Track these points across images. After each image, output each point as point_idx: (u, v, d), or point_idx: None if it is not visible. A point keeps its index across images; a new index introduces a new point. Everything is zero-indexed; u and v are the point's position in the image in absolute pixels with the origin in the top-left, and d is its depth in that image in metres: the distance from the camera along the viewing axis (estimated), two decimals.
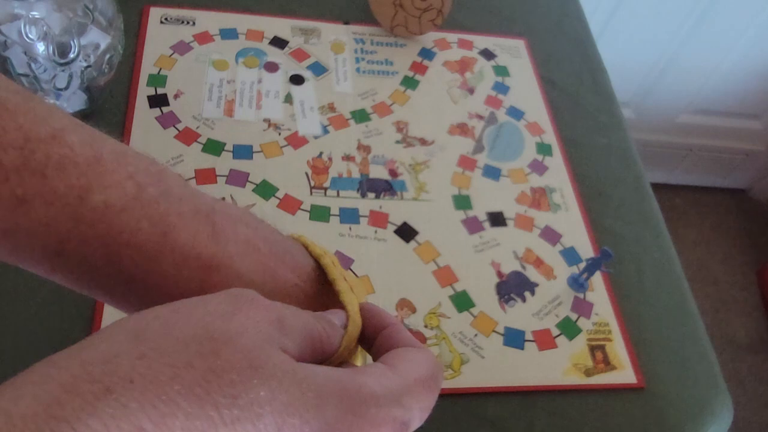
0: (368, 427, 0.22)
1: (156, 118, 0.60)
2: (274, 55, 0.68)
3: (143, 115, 0.60)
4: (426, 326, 0.53)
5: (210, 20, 0.69)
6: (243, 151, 0.60)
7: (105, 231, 0.25)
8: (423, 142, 0.65)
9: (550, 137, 0.69)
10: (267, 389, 0.20)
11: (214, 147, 0.59)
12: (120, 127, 0.59)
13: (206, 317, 0.22)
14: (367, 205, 0.59)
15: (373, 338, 0.28)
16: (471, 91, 0.71)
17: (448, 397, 0.50)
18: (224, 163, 0.59)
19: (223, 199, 0.56)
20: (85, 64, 0.55)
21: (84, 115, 0.58)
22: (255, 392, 0.20)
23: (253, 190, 0.58)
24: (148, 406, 0.18)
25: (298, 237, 0.32)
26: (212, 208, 0.28)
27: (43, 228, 0.24)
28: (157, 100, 0.62)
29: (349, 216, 0.58)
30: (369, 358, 0.29)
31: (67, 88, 0.56)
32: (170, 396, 0.18)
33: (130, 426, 0.18)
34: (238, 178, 0.58)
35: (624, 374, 0.54)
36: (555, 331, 0.55)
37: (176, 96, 0.62)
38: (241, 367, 0.20)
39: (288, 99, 0.65)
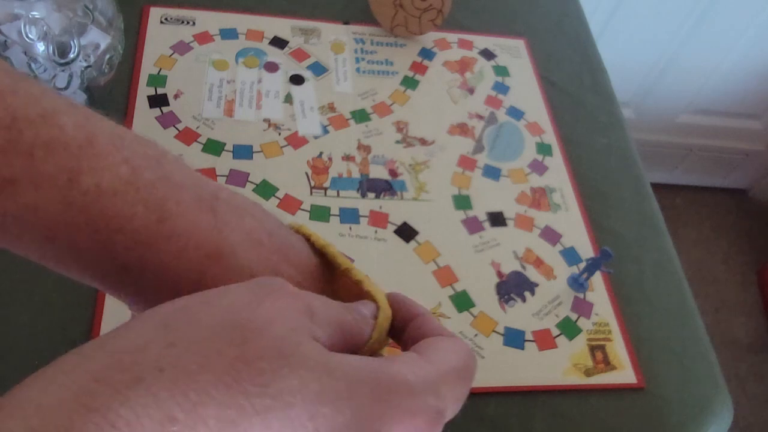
0: (403, 416, 0.21)
1: (156, 118, 0.60)
2: (274, 55, 0.68)
3: (143, 115, 0.60)
4: None
5: (210, 20, 0.69)
6: (243, 151, 0.60)
7: (96, 216, 0.24)
8: (423, 142, 0.65)
9: (550, 137, 0.69)
10: (298, 378, 0.20)
11: (214, 147, 0.59)
12: None
13: (234, 306, 0.21)
14: (367, 205, 0.59)
15: (402, 329, 0.28)
16: (471, 91, 0.71)
17: None
18: (224, 163, 0.59)
19: None
20: (85, 64, 0.55)
21: None
22: (285, 381, 0.19)
23: (253, 190, 0.58)
24: (179, 395, 0.18)
25: (299, 227, 0.31)
26: (216, 196, 0.28)
27: (32, 212, 0.24)
28: (157, 100, 0.62)
29: (349, 216, 0.58)
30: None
31: (67, 88, 0.56)
32: (201, 385, 0.18)
33: (161, 415, 0.17)
34: (238, 178, 0.58)
35: (624, 374, 0.54)
36: (555, 331, 0.55)
37: (176, 96, 0.62)
38: (271, 356, 0.20)
39: (288, 99, 0.65)
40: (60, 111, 0.24)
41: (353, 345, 0.25)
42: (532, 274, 0.58)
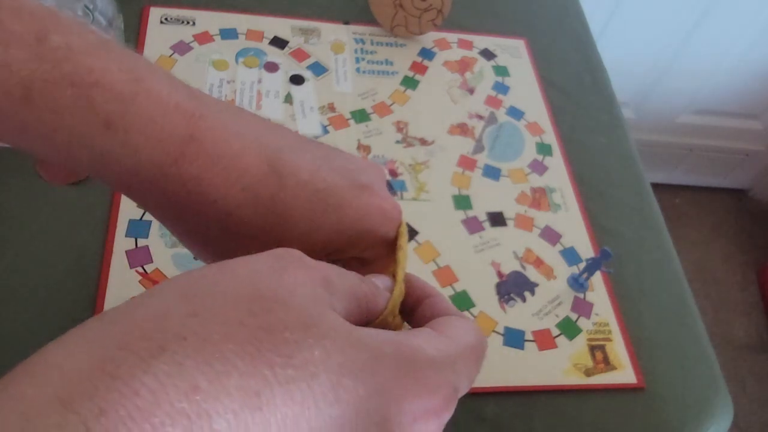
0: (422, 390, 0.21)
1: None
2: (274, 55, 0.68)
3: None
4: None
5: (210, 20, 0.69)
6: None
7: (71, 70, 0.23)
8: (423, 142, 0.65)
9: (550, 137, 0.69)
10: (321, 349, 0.19)
11: None
12: None
13: (254, 275, 0.21)
14: None
15: (414, 308, 0.28)
16: (471, 91, 0.71)
17: None
18: None
19: None
20: None
21: None
22: (309, 352, 0.19)
23: None
24: (202, 364, 0.18)
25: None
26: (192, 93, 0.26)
27: (5, 69, 0.23)
28: None
29: None
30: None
31: None
32: (224, 354, 0.18)
33: (185, 384, 0.17)
34: None
35: (624, 374, 0.54)
36: (555, 331, 0.55)
37: None
38: (294, 326, 0.19)
39: (288, 99, 0.65)
40: None
41: (367, 316, 0.25)
42: (532, 274, 0.58)
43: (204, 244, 0.29)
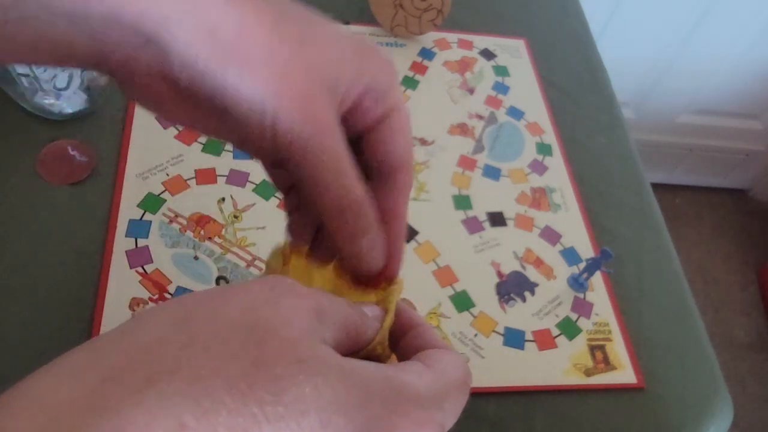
0: (411, 427, 0.21)
1: (156, 117, 0.60)
2: None
3: (143, 115, 0.60)
4: None
5: None
6: (243, 151, 0.60)
7: None
8: (423, 142, 0.65)
9: (550, 137, 0.69)
10: (312, 386, 0.19)
11: (214, 147, 0.59)
12: (120, 127, 0.59)
13: (249, 304, 0.21)
14: None
15: (400, 337, 0.27)
16: (471, 91, 0.71)
17: None
18: (224, 163, 0.59)
19: (223, 199, 0.56)
20: None
21: (84, 115, 0.58)
22: (300, 388, 0.19)
23: (253, 190, 0.58)
24: (191, 400, 0.17)
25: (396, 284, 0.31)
26: None
27: None
28: None
29: None
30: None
31: (67, 88, 0.56)
32: (214, 390, 0.18)
33: (172, 422, 0.17)
34: (238, 178, 0.58)
35: (624, 374, 0.54)
36: (555, 331, 0.55)
37: None
38: (287, 361, 0.19)
39: None
40: None
41: (355, 346, 0.24)
42: (532, 274, 0.58)
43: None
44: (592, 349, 0.55)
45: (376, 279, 0.30)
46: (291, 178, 0.30)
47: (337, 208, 0.26)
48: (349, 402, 0.20)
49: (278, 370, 0.19)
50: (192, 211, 0.55)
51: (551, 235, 0.61)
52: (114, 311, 0.49)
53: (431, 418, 0.22)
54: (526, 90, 0.73)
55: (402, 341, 0.27)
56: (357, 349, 0.25)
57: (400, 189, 0.30)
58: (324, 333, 0.22)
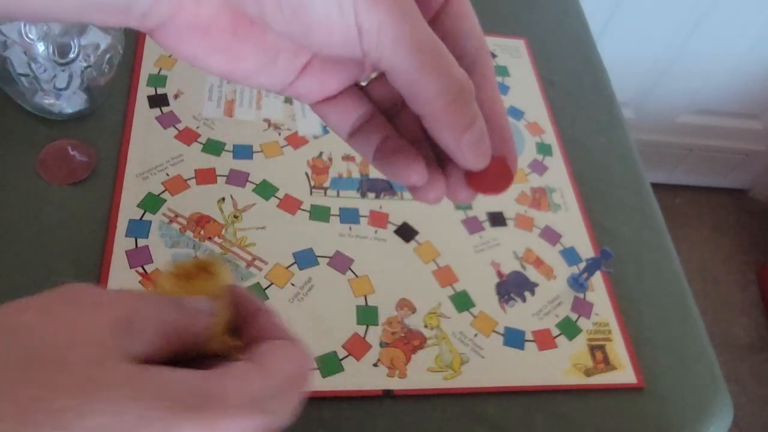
0: None
1: (156, 118, 0.60)
2: None
3: (143, 115, 0.60)
4: (426, 326, 0.53)
5: None
6: (243, 151, 0.60)
7: None
8: None
9: (550, 137, 0.69)
10: (105, 414, 0.18)
11: (214, 147, 0.59)
12: (120, 127, 0.59)
13: (28, 330, 0.19)
14: (367, 205, 0.59)
15: (242, 324, 0.26)
16: None
17: (448, 397, 0.50)
18: (224, 163, 0.59)
19: (223, 199, 0.56)
20: (85, 64, 0.55)
21: (84, 115, 0.58)
22: (91, 419, 0.17)
23: (253, 190, 0.58)
24: None
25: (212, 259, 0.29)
26: None
27: None
28: (157, 100, 0.62)
29: (349, 216, 0.58)
30: None
31: (67, 88, 0.56)
32: None
33: None
34: (238, 178, 0.58)
35: (624, 374, 0.54)
36: (555, 331, 0.55)
37: (176, 96, 0.62)
38: (72, 391, 0.18)
39: (288, 99, 0.65)
40: None
41: (185, 345, 0.23)
42: (532, 274, 0.58)
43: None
44: (592, 349, 0.55)
45: (493, 177, 0.27)
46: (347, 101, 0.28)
47: (444, 98, 0.24)
48: (157, 420, 0.18)
49: (64, 403, 0.17)
50: (192, 211, 0.55)
51: (551, 235, 0.61)
52: None
53: (249, 426, 0.21)
54: (526, 90, 0.73)
55: (244, 329, 0.26)
56: (191, 347, 0.23)
57: (488, 76, 0.28)
58: (133, 343, 0.20)
